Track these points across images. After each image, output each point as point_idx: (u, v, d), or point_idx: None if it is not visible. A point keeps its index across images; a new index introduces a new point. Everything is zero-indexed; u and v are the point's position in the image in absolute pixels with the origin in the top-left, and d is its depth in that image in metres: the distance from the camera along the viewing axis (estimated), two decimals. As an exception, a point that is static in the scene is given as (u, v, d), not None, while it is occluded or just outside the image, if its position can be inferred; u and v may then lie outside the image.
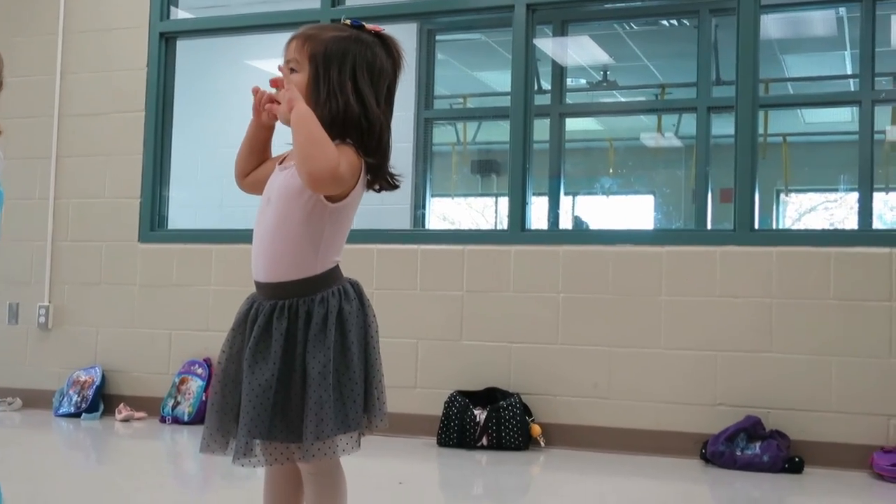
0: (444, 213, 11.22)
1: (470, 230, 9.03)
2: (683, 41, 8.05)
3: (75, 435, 4.95)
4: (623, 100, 10.37)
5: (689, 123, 8.74)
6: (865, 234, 5.30)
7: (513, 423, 4.46)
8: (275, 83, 2.01)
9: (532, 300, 4.69)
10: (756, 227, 4.52)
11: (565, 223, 9.52)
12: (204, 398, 5.01)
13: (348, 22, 2.05)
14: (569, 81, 8.68)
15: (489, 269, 4.78)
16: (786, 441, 4.17)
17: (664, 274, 4.51)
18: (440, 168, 9.79)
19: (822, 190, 12.23)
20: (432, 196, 7.43)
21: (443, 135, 9.84)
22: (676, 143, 10.38)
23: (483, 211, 12.42)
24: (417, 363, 4.82)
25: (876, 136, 6.91)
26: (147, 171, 5.47)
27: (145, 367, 5.34)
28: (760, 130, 6.00)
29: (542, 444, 4.51)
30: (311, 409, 1.90)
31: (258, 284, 2.04)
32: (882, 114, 7.61)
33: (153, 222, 5.47)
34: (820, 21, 7.67)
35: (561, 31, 7.49)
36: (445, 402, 4.59)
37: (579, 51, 8.38)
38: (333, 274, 2.02)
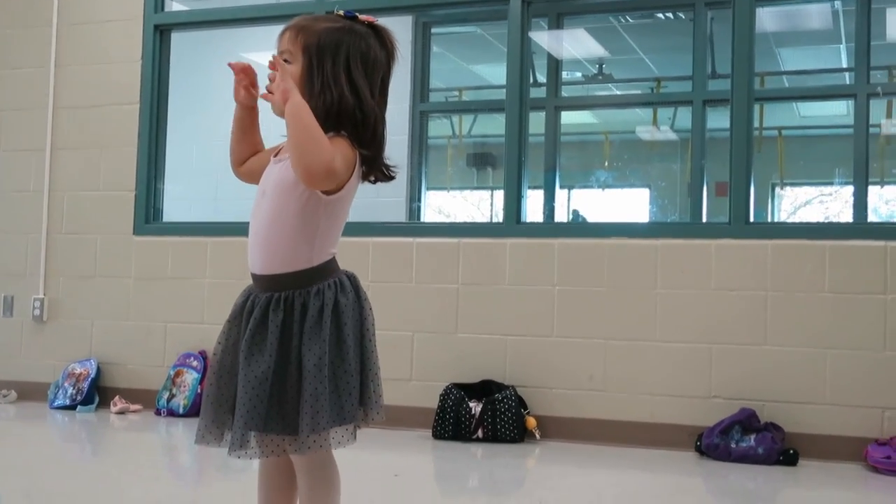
0: (440, 206, 11.21)
1: (465, 223, 9.01)
2: (679, 34, 8.05)
3: (70, 427, 4.95)
4: (618, 93, 10.37)
5: (684, 117, 8.74)
6: (860, 228, 5.30)
7: (508, 415, 4.47)
8: (273, 66, 1.99)
9: (527, 293, 4.69)
10: (751, 220, 4.53)
11: (562, 217, 9.53)
12: (199, 391, 5.01)
13: (341, 13, 2.04)
14: (564, 74, 8.68)
15: (484, 262, 4.78)
16: (780, 433, 4.18)
17: (659, 267, 4.51)
18: (435, 161, 9.79)
19: (817, 183, 12.25)
20: (428, 189, 7.43)
21: (438, 128, 9.84)
22: (672, 136, 10.39)
23: (478, 204, 12.42)
24: (413, 356, 4.82)
25: (871, 130, 6.92)
26: (142, 163, 5.46)
27: (140, 359, 5.33)
28: (756, 124, 6.02)
29: (538, 436, 4.51)
30: (306, 401, 1.90)
31: (254, 276, 2.03)
32: (877, 107, 7.61)
33: (148, 215, 5.46)
34: (815, 14, 7.67)
35: (556, 24, 7.48)
36: (441, 395, 4.59)
37: (575, 44, 8.38)
38: (330, 266, 2.01)
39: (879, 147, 8.72)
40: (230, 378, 1.99)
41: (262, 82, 2.02)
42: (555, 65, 7.68)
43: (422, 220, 7.07)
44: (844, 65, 8.97)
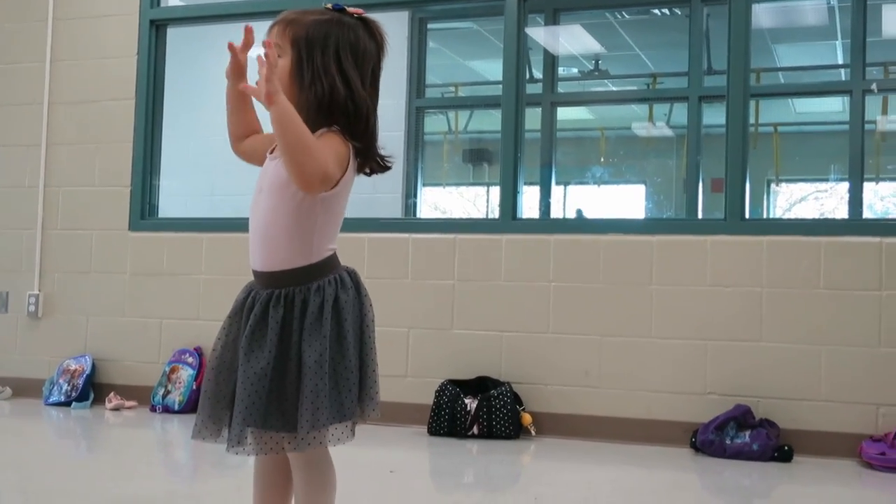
0: (436, 202, 11.22)
1: (461, 219, 9.03)
2: (675, 31, 8.05)
3: (65, 424, 4.94)
4: (614, 89, 10.37)
5: (680, 113, 8.75)
6: (855, 224, 5.31)
7: (503, 411, 4.47)
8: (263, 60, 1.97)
9: (523, 289, 4.69)
10: (747, 216, 4.53)
11: (558, 213, 9.52)
12: (195, 387, 5.01)
13: (329, 6, 2.03)
14: (560, 70, 8.68)
15: (480, 258, 4.78)
16: (775, 430, 4.19)
17: (655, 263, 4.52)
18: (431, 157, 9.78)
19: (812, 180, 12.26)
20: (423, 185, 7.43)
21: (434, 124, 9.83)
22: (668, 132, 10.40)
23: (474, 200, 12.42)
24: (408, 352, 4.82)
25: (866, 126, 6.92)
26: (137, 159, 5.45)
27: (135, 355, 5.33)
28: (752, 120, 6.02)
29: (533, 432, 4.51)
30: (306, 397, 1.89)
31: (255, 273, 2.03)
32: (872, 103, 7.62)
33: (143, 211, 5.45)
34: (811, 11, 7.68)
35: (553, 19, 7.48)
36: (436, 391, 4.59)
37: (571, 40, 8.38)
38: (330, 263, 2.01)
39: (875, 143, 8.74)
40: (229, 374, 1.99)
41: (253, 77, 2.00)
42: (551, 61, 7.68)
43: (418, 216, 7.07)
44: (840, 61, 8.98)
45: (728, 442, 4.12)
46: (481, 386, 4.61)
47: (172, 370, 5.12)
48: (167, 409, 5.06)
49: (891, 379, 4.16)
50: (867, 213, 8.16)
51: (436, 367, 4.74)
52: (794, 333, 4.29)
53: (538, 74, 7.67)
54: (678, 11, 7.87)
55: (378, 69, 2.05)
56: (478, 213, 12.20)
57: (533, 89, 7.32)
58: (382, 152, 2.04)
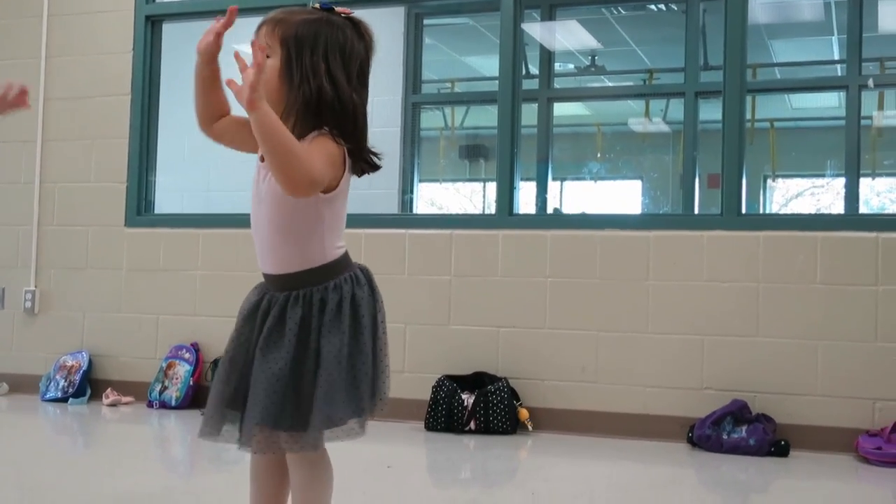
0: (432, 197, 11.21)
1: (458, 215, 9.02)
2: (671, 26, 8.05)
3: (62, 420, 4.94)
4: (611, 85, 10.37)
5: (676, 108, 8.74)
6: (852, 219, 5.32)
7: (500, 407, 4.47)
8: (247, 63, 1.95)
9: (520, 285, 4.69)
10: (743, 211, 4.53)
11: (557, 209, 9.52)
12: (191, 383, 5.00)
13: (318, 6, 2.03)
14: (556, 66, 8.68)
15: (477, 254, 4.78)
16: (772, 425, 4.19)
17: (651, 258, 4.52)
18: (428, 153, 9.78)
19: (808, 175, 12.27)
20: (420, 181, 7.42)
21: (430, 119, 9.82)
22: (664, 128, 10.40)
23: (471, 196, 12.43)
24: (405, 348, 4.82)
25: (863, 122, 6.93)
26: (133, 155, 5.44)
27: (132, 351, 5.32)
28: (748, 116, 6.02)
29: (530, 428, 4.52)
30: (324, 392, 1.90)
31: (268, 277, 2.03)
32: (869, 99, 7.63)
33: (140, 207, 5.44)
34: (807, 6, 7.68)
35: (549, 15, 7.47)
36: (433, 387, 4.60)
37: (567, 35, 8.37)
38: (344, 261, 2.03)
39: (871, 139, 8.74)
40: (241, 376, 1.99)
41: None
42: (547, 56, 7.68)
43: (414, 211, 7.06)
44: (836, 56, 8.99)
45: (725, 437, 4.13)
46: (478, 381, 4.62)
47: (169, 366, 5.12)
48: (164, 405, 5.05)
49: (887, 373, 4.17)
50: (863, 209, 8.18)
51: (433, 362, 4.74)
52: (791, 328, 4.30)
53: (534, 70, 7.68)
54: (674, 7, 7.87)
55: (367, 68, 2.04)
56: (474, 208, 12.21)
57: (529, 85, 7.33)
58: (373, 151, 2.04)
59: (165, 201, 5.76)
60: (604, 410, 4.52)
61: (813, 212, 11.42)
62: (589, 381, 4.56)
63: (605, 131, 11.27)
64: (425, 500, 3.39)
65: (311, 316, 1.95)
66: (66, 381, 5.24)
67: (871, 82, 7.01)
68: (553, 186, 9.16)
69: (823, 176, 11.72)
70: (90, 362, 5.31)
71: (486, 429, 4.47)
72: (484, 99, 8.70)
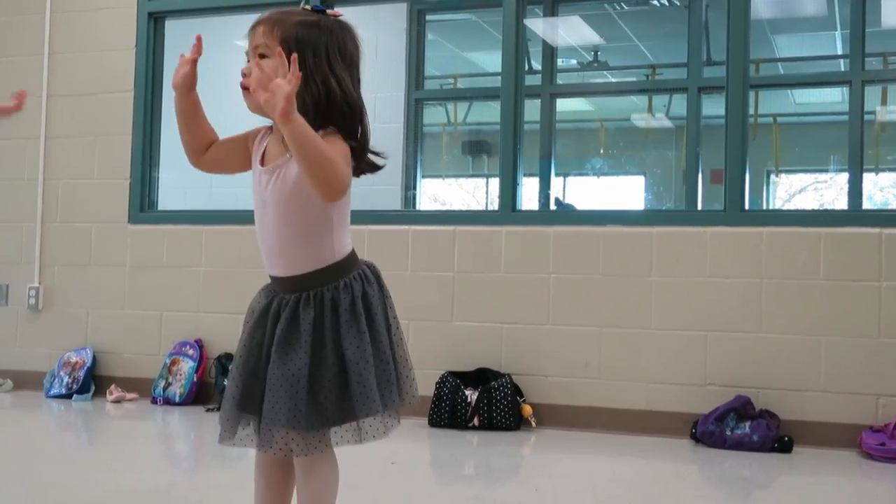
0: (435, 193, 11.21)
1: (461, 211, 9.02)
2: (674, 21, 8.03)
3: (66, 416, 4.95)
4: (614, 80, 10.36)
5: (679, 104, 8.74)
6: (855, 215, 5.31)
7: (504, 403, 4.48)
8: (249, 80, 1.95)
9: (523, 281, 4.69)
10: (746, 207, 4.53)
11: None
12: (195, 379, 5.01)
13: (308, 7, 2.03)
14: (559, 62, 8.67)
15: (480, 250, 4.78)
16: (775, 421, 4.19)
17: (654, 254, 4.52)
18: (431, 149, 9.77)
19: (812, 170, 12.26)
20: (423, 177, 7.42)
21: (433, 115, 9.81)
22: (667, 123, 10.38)
23: (474, 192, 12.42)
24: (409, 344, 4.80)
25: (866, 117, 6.92)
26: (136, 152, 5.44)
27: (136, 348, 5.33)
28: (751, 111, 6.01)
29: (533, 424, 4.52)
30: (357, 391, 1.92)
31: (277, 279, 2.03)
32: (872, 94, 7.61)
33: (143, 203, 5.45)
34: (810, 1, 7.66)
35: (551, 11, 7.46)
36: (437, 383, 4.60)
37: (570, 31, 8.37)
38: (352, 259, 2.04)
39: (874, 134, 8.72)
40: (255, 380, 1.99)
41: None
42: (550, 52, 7.67)
43: (417, 207, 7.06)
44: (839, 51, 8.97)
45: (728, 433, 4.13)
46: (481, 377, 4.62)
47: (173, 362, 5.13)
48: (168, 402, 5.06)
49: (890, 369, 4.16)
50: (867, 204, 8.16)
51: (436, 358, 4.75)
52: (794, 324, 4.30)
53: (537, 66, 7.66)
54: (677, 2, 7.85)
55: (359, 71, 2.05)
56: (477, 204, 12.20)
57: (532, 81, 7.31)
58: (375, 151, 2.05)
59: (169, 198, 5.76)
60: (607, 406, 4.52)
61: (816, 207, 11.41)
62: (592, 377, 4.56)
63: (608, 127, 11.26)
64: (429, 497, 3.39)
65: (325, 316, 1.96)
66: (70, 377, 5.25)
67: (874, 77, 6.98)
68: (556, 182, 9.16)
69: (826, 171, 11.71)
70: (94, 359, 5.32)
71: (489, 425, 4.47)
72: (487, 95, 8.69)
